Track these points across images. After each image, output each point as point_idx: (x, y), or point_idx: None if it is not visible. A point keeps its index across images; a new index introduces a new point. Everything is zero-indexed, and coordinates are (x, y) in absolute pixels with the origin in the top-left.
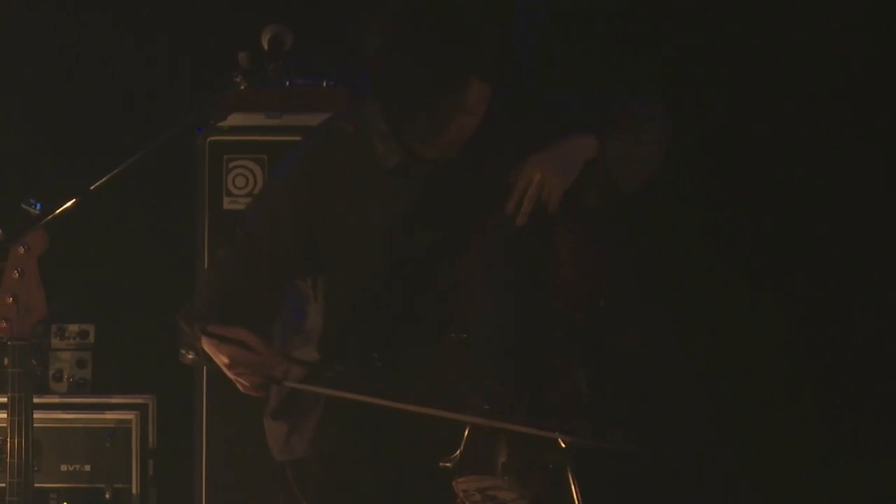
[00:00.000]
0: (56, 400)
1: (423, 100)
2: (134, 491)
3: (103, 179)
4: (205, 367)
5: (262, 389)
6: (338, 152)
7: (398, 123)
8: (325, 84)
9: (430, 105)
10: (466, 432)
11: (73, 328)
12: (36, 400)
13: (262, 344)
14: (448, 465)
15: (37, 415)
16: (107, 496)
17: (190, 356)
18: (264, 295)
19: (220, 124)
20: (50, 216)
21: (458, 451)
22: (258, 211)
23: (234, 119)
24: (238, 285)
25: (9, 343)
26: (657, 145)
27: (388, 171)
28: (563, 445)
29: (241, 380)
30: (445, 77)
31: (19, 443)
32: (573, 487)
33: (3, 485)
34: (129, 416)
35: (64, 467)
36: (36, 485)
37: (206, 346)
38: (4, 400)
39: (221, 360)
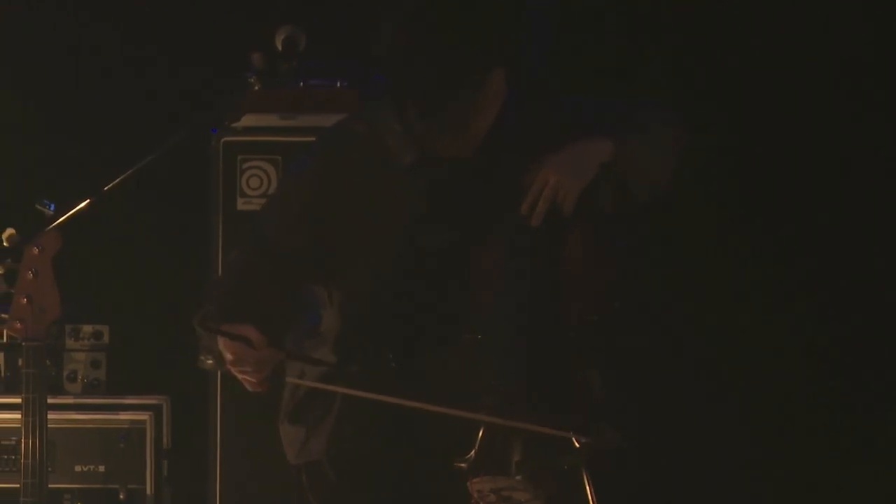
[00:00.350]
0: (70, 401)
1: (445, 93)
2: (148, 492)
3: (117, 180)
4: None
5: (265, 385)
6: (350, 154)
7: (421, 120)
8: (339, 85)
9: (453, 98)
10: (481, 433)
11: (88, 329)
12: (50, 400)
13: (263, 341)
14: (463, 465)
15: (51, 415)
16: (121, 497)
17: (209, 361)
18: (276, 296)
19: (235, 125)
20: (64, 217)
21: (472, 452)
22: (270, 214)
23: (248, 120)
24: (249, 286)
25: (23, 344)
26: (672, 151)
27: (401, 171)
28: (578, 445)
29: (246, 377)
30: (467, 68)
31: (33, 443)
32: (588, 488)
33: (18, 485)
34: (143, 416)
35: (78, 468)
36: (50, 485)
37: (221, 345)
38: (19, 401)
39: (227, 356)
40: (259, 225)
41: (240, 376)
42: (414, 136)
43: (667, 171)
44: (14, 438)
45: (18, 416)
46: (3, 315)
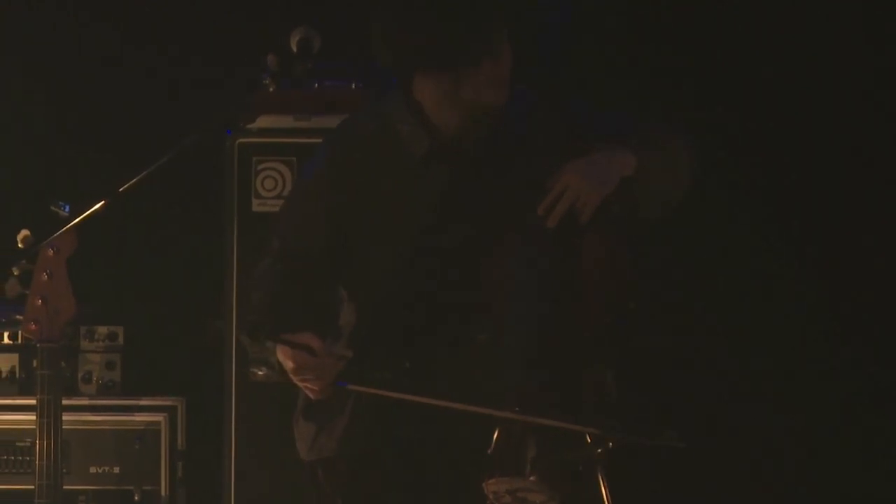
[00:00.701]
0: (85, 402)
1: (469, 27)
2: (163, 493)
3: (132, 181)
4: (234, 369)
5: (328, 392)
6: (354, 154)
7: (457, 76)
8: (353, 86)
9: (481, 26)
10: (496, 434)
11: (103, 330)
12: (65, 402)
13: (323, 347)
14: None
15: (66, 417)
16: (136, 498)
17: (261, 373)
18: (315, 299)
19: (249, 126)
20: (79, 218)
21: (488, 453)
22: (290, 220)
23: (263, 121)
24: (287, 294)
25: (38, 345)
26: (686, 174)
27: (415, 164)
28: (589, 440)
29: (308, 385)
30: (478, 20)
31: (48, 445)
32: (603, 489)
33: (33, 487)
34: (158, 417)
35: (93, 469)
36: (65, 487)
37: (280, 354)
38: (33, 402)
39: (288, 365)
40: (280, 232)
41: (301, 385)
42: (428, 126)
43: (678, 193)
44: (29, 440)
45: (33, 417)
46: (18, 316)
